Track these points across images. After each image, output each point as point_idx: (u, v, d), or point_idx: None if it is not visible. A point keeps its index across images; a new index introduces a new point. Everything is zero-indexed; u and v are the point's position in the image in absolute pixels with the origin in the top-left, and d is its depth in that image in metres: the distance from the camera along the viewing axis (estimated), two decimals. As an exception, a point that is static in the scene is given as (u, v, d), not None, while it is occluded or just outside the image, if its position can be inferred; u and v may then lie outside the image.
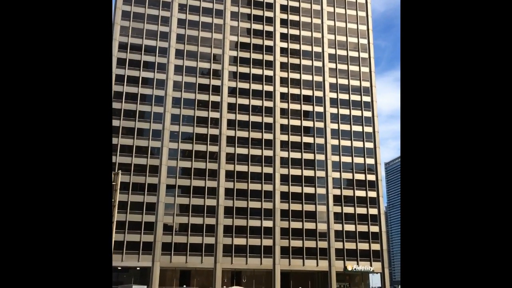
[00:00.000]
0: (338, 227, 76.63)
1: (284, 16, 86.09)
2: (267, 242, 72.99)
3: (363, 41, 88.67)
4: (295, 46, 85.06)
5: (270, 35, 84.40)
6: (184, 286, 69.94)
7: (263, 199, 74.84)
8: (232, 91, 79.68)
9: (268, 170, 76.66)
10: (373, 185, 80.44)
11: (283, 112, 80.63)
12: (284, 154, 78.21)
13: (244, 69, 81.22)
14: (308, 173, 78.22)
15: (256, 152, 77.10)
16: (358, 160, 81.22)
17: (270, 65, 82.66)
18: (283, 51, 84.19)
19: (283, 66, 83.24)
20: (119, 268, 67.08)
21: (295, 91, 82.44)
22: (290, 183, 76.80)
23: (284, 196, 75.97)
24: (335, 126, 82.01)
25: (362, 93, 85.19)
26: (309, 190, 77.30)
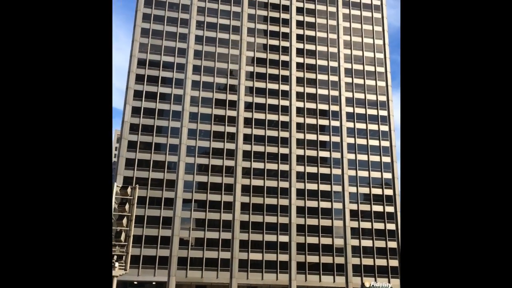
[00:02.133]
0: (355, 242, 75.67)
1: (300, 32, 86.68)
2: (283, 257, 72.48)
3: (380, 55, 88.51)
4: (311, 61, 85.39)
5: (286, 50, 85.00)
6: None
7: (279, 213, 74.56)
8: (248, 106, 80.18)
9: (284, 184, 76.49)
10: (391, 200, 79.44)
11: (299, 127, 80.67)
12: (300, 168, 78.01)
13: (260, 84, 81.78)
14: (325, 187, 77.77)
15: (272, 166, 77.12)
16: (375, 174, 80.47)
17: (286, 80, 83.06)
18: (299, 66, 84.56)
19: (299, 81, 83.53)
20: (135, 282, 67.35)
21: (311, 105, 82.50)
22: (306, 197, 76.42)
23: (300, 210, 75.55)
24: (351, 140, 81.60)
25: (378, 107, 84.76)
26: (325, 204, 76.76)
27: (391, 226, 77.78)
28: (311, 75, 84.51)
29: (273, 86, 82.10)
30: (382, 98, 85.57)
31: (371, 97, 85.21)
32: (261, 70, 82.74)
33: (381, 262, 75.48)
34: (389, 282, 74.49)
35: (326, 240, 74.68)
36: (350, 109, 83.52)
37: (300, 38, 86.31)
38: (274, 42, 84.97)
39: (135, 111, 74.39)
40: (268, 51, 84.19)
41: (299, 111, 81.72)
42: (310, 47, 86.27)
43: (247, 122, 79.03)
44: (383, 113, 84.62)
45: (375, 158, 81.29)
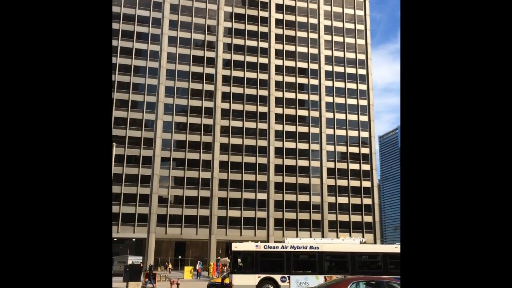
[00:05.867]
0: (332, 199, 77.47)
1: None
2: (261, 214, 73.82)
3: (360, 12, 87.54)
4: (291, 18, 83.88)
5: (265, 6, 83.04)
6: (179, 257, 71.00)
7: (257, 171, 75.22)
8: (226, 63, 78.91)
9: (262, 143, 76.78)
10: (367, 158, 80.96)
11: (278, 85, 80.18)
12: (279, 127, 78.20)
13: (238, 41, 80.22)
14: (303, 146, 78.47)
15: (250, 125, 77.03)
16: (353, 133, 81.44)
17: (265, 37, 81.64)
18: (279, 22, 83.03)
19: (278, 38, 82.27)
20: (115, 239, 67.76)
21: (290, 63, 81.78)
22: (284, 156, 77.10)
23: (278, 169, 76.38)
24: (330, 99, 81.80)
25: (357, 66, 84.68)
26: (303, 163, 77.71)
27: (366, 184, 79.69)
28: (291, 32, 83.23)
29: (252, 43, 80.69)
30: (361, 56, 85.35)
31: (350, 55, 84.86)
32: (240, 26, 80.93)
33: (356, 218, 77.79)
34: (363, 236, 77.05)
35: (303, 198, 76.16)
36: (329, 68, 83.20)
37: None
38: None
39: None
40: (246, 6, 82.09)
41: (278, 69, 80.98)
42: (290, 2, 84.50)
43: (226, 80, 77.99)
44: (362, 71, 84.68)
45: (352, 117, 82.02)
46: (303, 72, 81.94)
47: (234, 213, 72.74)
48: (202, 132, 74.50)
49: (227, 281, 28.09)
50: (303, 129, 79.20)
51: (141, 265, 39.09)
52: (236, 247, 27.18)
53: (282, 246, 27.19)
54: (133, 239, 69.73)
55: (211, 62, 77.97)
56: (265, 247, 27.15)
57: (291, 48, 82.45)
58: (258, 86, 78.98)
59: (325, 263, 26.83)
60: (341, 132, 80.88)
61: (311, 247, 27.07)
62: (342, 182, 78.64)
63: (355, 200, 78.47)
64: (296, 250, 26.81)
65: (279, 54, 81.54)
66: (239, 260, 26.69)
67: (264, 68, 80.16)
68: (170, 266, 60.07)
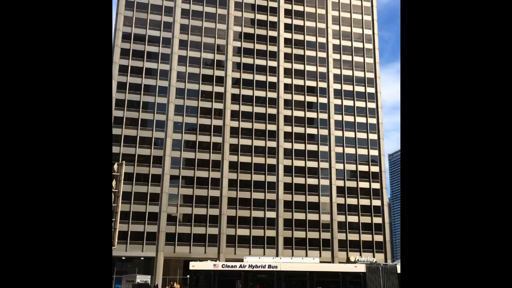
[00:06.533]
0: (341, 218, 76.71)
1: (288, 6, 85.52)
2: (270, 233, 73.23)
3: (368, 31, 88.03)
4: (300, 37, 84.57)
5: (274, 25, 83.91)
6: (188, 276, 70.35)
7: (266, 190, 74.92)
8: (235, 82, 79.45)
9: (271, 161, 76.66)
10: (377, 177, 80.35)
11: (287, 103, 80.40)
12: (288, 145, 78.12)
13: (248, 60, 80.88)
14: (312, 164, 78.18)
15: (259, 143, 77.06)
16: (362, 151, 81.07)
17: (274, 55, 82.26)
18: (287, 41, 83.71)
19: (287, 57, 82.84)
20: (123, 258, 67.52)
21: (299, 82, 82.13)
22: (293, 174, 76.80)
23: (288, 187, 76.02)
24: (339, 117, 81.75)
25: (366, 84, 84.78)
26: (312, 181, 77.32)
27: (376, 202, 78.91)
28: (299, 51, 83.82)
29: (261, 62, 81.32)
30: (370, 75, 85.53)
31: (359, 74, 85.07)
32: (249, 45, 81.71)
33: (366, 237, 76.81)
34: (373, 256, 75.94)
35: (312, 216, 75.52)
36: (337, 86, 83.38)
37: (288, 13, 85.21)
38: (262, 17, 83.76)
39: (121, 86, 73.11)
40: (255, 26, 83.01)
41: (287, 87, 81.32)
42: (298, 22, 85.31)
43: (235, 98, 78.42)
44: (371, 90, 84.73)
45: (362, 135, 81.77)
46: (312, 90, 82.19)
47: (243, 231, 72.24)
48: (211, 150, 74.63)
49: None
50: (312, 147, 79.04)
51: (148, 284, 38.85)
52: (193, 266, 27.23)
53: (240, 265, 27.17)
54: (142, 258, 69.38)
55: (220, 80, 78.57)
56: (223, 266, 27.17)
57: (300, 66, 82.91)
58: (267, 105, 79.27)
59: (283, 283, 26.92)
60: (350, 150, 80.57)
61: (269, 266, 27.18)
62: (351, 201, 77.98)
63: (365, 219, 77.62)
64: (254, 269, 26.88)
65: (288, 72, 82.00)
66: (199, 279, 26.76)
67: (273, 86, 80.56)
68: (176, 285, 59.47)
